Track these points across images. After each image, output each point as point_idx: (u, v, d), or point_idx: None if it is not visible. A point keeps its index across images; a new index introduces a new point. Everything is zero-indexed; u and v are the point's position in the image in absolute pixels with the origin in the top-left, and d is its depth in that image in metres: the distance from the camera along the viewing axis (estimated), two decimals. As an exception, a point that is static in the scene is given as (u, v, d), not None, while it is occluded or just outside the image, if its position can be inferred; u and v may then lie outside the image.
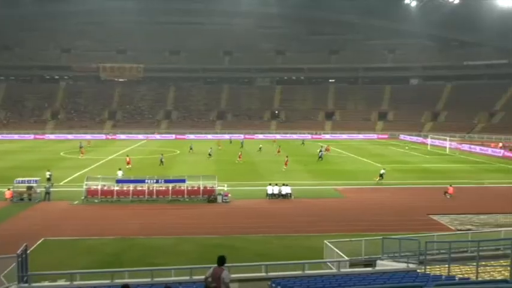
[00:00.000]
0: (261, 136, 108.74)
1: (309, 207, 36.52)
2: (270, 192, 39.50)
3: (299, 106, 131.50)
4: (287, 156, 61.59)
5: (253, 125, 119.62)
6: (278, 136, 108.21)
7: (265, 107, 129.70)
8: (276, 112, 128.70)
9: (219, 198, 37.97)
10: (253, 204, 37.66)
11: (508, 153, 73.19)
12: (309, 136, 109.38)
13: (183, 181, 39.47)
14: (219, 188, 40.16)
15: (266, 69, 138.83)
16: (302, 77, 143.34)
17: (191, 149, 74.15)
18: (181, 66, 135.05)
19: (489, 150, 76.55)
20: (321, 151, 67.23)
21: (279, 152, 70.59)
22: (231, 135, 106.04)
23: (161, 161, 58.42)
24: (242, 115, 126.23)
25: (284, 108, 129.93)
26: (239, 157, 63.94)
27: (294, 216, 33.63)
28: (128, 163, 56.06)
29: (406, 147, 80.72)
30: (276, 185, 40.09)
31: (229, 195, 38.65)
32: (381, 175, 49.28)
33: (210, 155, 66.75)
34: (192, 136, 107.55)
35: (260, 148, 69.84)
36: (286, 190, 39.61)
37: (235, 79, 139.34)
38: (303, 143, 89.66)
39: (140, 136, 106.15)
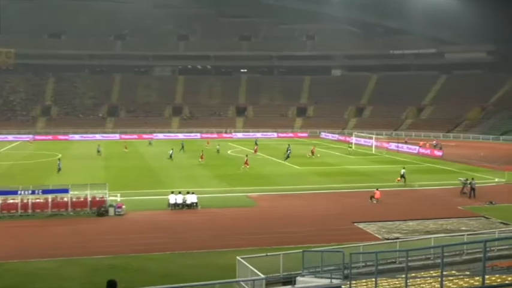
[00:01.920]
0: (160, 136, 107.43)
1: (218, 219, 36.58)
2: (172, 201, 39.15)
3: (205, 100, 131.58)
4: (247, 156, 63.59)
5: (152, 122, 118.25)
6: (181, 136, 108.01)
7: (165, 102, 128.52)
8: (181, 108, 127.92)
9: (111, 211, 37.07)
10: (153, 216, 37.15)
11: (438, 152, 77.71)
12: (216, 135, 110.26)
13: (66, 191, 38.11)
14: (111, 198, 39.20)
15: (166, 56, 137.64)
16: (209, 66, 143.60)
17: (99, 151, 74.01)
18: (63, 51, 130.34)
19: (417, 149, 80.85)
20: (288, 150, 71.21)
21: (255, 152, 75.30)
22: (136, 135, 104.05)
23: (58, 168, 56.81)
24: (138, 111, 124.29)
25: (188, 102, 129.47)
26: (201, 157, 66.16)
27: (201, 230, 33.53)
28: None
29: (349, 147, 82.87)
30: (180, 193, 39.80)
31: (124, 206, 37.83)
32: (402, 175, 51.01)
33: (171, 157, 68.58)
34: (77, 136, 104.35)
35: (171, 155, 69.12)
36: (191, 199, 39.44)
37: (129, 68, 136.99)
38: (208, 143, 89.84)
39: (10, 137, 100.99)
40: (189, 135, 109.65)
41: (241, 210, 39.45)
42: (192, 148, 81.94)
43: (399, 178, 51.77)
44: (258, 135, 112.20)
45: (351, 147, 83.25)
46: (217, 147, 77.38)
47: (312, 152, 73.89)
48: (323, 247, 25.44)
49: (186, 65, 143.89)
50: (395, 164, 67.29)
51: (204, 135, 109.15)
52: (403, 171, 52.56)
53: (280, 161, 67.92)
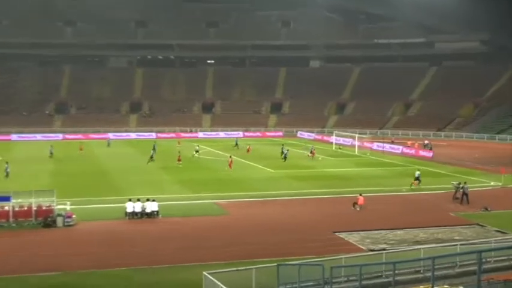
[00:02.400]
0: (111, 136, 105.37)
1: (181, 229, 36.39)
2: (130, 210, 38.83)
3: (168, 95, 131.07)
4: (230, 157, 64.10)
5: (107, 120, 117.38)
6: (133, 135, 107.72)
7: (122, 97, 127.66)
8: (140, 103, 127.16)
9: (60, 221, 36.61)
10: (108, 226, 36.81)
11: (424, 153, 78.54)
12: (174, 134, 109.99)
13: (7, 199, 37.48)
14: (60, 207, 38.69)
15: (123, 45, 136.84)
16: (171, 56, 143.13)
17: (51, 154, 73.54)
18: (3, 39, 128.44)
19: (400, 149, 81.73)
20: (283, 150, 72.93)
21: (248, 151, 77.84)
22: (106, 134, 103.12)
23: (6, 172, 56.03)
24: (91, 107, 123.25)
25: (148, 98, 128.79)
26: (178, 159, 66.15)
27: (163, 242, 33.32)
28: None
29: (339, 149, 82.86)
30: (139, 200, 39.49)
31: (74, 216, 37.39)
32: (417, 178, 51.19)
33: (152, 158, 68.63)
34: (15, 136, 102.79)
35: (152, 156, 68.95)
36: (151, 207, 39.15)
37: (80, 58, 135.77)
38: (179, 143, 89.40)
39: None
40: (149, 135, 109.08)
41: (209, 219, 39.31)
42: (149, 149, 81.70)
43: (414, 181, 52.17)
44: (222, 134, 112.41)
45: (341, 149, 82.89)
46: (196, 147, 76.23)
47: (312, 153, 74.06)
48: (301, 260, 25.43)
49: (146, 56, 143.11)
50: (381, 166, 67.82)
51: (161, 135, 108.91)
52: (417, 173, 53.02)
53: (253, 163, 67.87)
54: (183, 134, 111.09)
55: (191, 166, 65.39)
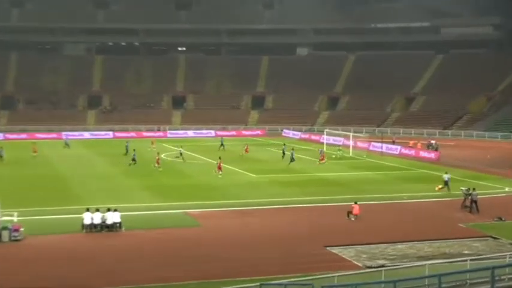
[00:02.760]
0: (65, 135, 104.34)
1: (148, 244, 36.19)
2: (87, 222, 38.53)
3: (132, 87, 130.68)
4: (220, 158, 63.77)
5: (61, 116, 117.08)
6: (87, 135, 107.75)
7: (78, 90, 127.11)
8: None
9: (5, 235, 36.31)
10: (62, 241, 36.55)
11: (425, 154, 78.86)
12: (135, 133, 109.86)
13: None
14: (5, 218, 38.39)
15: (80, 29, 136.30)
16: (136, 42, 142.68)
17: (1, 156, 73.49)
18: None
19: (401, 150, 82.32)
20: (284, 150, 74.20)
21: (246, 151, 79.06)
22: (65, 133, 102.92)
23: None
24: (42, 102, 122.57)
25: (108, 90, 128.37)
26: (157, 162, 66.11)
27: (126, 259, 33.11)
28: None
29: (339, 151, 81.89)
30: (98, 210, 39.20)
31: (22, 229, 37.09)
32: (446, 182, 51.25)
33: (134, 160, 68.55)
34: None
35: (134, 158, 68.67)
36: (113, 218, 38.88)
37: (30, 45, 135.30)
38: (153, 143, 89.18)
39: None
40: (105, 134, 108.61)
41: (179, 232, 39.15)
42: (114, 151, 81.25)
43: (441, 186, 52.18)
44: (190, 133, 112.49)
45: (340, 150, 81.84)
46: (180, 149, 75.71)
47: (322, 158, 73.18)
48: (286, 279, 25.38)
49: (106, 42, 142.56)
50: (379, 169, 68.02)
51: (119, 134, 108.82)
52: (446, 176, 53.02)
53: (231, 167, 67.80)
54: (145, 133, 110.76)
55: (164, 171, 65.11)
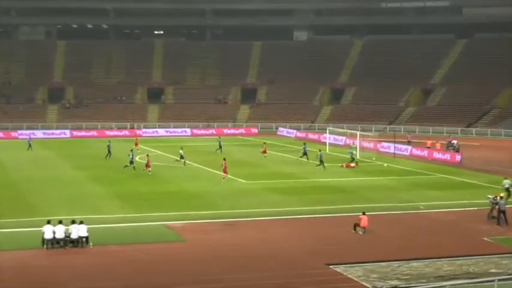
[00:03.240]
0: (25, 133, 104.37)
1: (119, 263, 36.05)
2: (48, 236, 38.36)
3: (100, 78, 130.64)
4: (224, 160, 64.22)
5: (17, 112, 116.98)
6: (47, 133, 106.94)
7: (37, 80, 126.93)
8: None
9: None
10: (18, 259, 36.30)
11: (439, 155, 79.13)
12: (96, 132, 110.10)
13: None
14: None
15: (38, 10, 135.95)
16: (105, 25, 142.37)
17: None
18: None
19: (411, 151, 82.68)
20: (305, 150, 74.97)
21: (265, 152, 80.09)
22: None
23: None
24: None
25: (73, 81, 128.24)
26: (147, 165, 66.34)
27: (95, 280, 33.00)
28: None
29: (352, 146, 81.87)
30: (61, 223, 39.10)
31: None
32: (508, 190, 50.94)
33: (131, 163, 68.10)
34: None
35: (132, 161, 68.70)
36: (78, 232, 38.76)
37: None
38: (137, 144, 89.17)
39: None
40: (54, 133, 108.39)
41: (159, 248, 38.97)
42: (79, 152, 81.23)
43: (502, 194, 51.56)
44: (161, 131, 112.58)
45: (353, 148, 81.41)
46: (181, 151, 75.16)
47: (357, 162, 73.51)
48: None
49: (69, 24, 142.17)
50: (391, 174, 68.16)
51: (77, 133, 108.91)
52: (507, 183, 52.66)
53: (218, 172, 67.90)
54: (116, 132, 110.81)
55: (132, 175, 65.09)
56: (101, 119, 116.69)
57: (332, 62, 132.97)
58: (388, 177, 66.02)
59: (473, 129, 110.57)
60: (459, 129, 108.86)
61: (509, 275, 32.19)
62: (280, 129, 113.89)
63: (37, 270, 34.85)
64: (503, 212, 44.43)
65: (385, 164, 75.00)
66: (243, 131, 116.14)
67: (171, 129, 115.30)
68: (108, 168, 68.03)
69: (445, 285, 26.20)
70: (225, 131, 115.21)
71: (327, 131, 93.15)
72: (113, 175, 64.87)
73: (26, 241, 39.63)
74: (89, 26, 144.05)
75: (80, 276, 33.86)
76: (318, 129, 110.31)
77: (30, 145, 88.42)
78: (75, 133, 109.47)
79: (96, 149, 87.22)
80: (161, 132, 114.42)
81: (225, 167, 62.45)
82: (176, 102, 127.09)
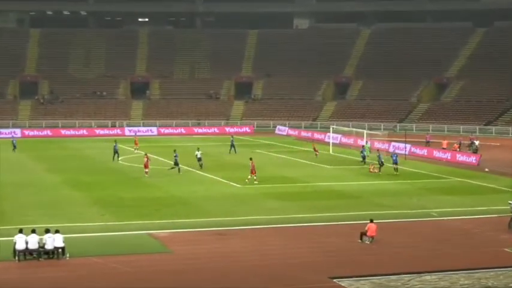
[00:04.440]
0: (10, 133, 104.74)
1: (99, 276, 36.03)
2: (20, 247, 38.34)
3: (79, 71, 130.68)
4: (251, 159, 64.61)
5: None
6: (18, 132, 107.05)
7: (8, 73, 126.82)
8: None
9: None
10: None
11: (445, 156, 79.32)
12: (71, 131, 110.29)
13: None
14: None
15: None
16: (83, 12, 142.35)
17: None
18: None
19: (411, 150, 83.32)
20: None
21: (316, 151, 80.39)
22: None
23: None
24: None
25: (47, 74, 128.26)
26: (145, 166, 67.47)
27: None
28: None
29: (366, 144, 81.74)
30: (34, 232, 39.06)
31: None
32: None
33: (176, 164, 69.10)
34: None
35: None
36: (54, 242, 38.76)
37: None
38: (137, 144, 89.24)
39: None
40: (33, 132, 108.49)
41: (142, 259, 38.95)
42: (56, 153, 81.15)
43: None
44: (172, 130, 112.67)
45: (366, 145, 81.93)
46: (197, 153, 74.38)
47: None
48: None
49: (44, 11, 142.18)
50: (402, 178, 68.17)
51: (65, 132, 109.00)
52: None
53: (208, 175, 67.85)
54: (97, 130, 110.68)
55: (114, 179, 65.10)
56: (79, 116, 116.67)
57: (336, 53, 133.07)
58: (398, 181, 66.06)
59: (493, 128, 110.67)
60: (477, 127, 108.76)
61: (532, 289, 32.26)
62: (279, 127, 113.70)
63: (7, 285, 34.81)
64: (524, 220, 44.54)
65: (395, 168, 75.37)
66: (233, 129, 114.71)
67: (143, 128, 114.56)
68: (88, 170, 67.93)
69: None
70: (215, 129, 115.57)
71: (330, 129, 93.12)
72: (92, 179, 64.78)
73: (-4, 252, 39.59)
74: (66, 12, 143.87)
75: (54, 291, 33.96)
76: (321, 127, 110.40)
77: (14, 146, 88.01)
78: (63, 131, 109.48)
79: (73, 149, 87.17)
80: (174, 131, 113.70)
81: (253, 167, 62.67)
82: (162, 98, 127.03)
